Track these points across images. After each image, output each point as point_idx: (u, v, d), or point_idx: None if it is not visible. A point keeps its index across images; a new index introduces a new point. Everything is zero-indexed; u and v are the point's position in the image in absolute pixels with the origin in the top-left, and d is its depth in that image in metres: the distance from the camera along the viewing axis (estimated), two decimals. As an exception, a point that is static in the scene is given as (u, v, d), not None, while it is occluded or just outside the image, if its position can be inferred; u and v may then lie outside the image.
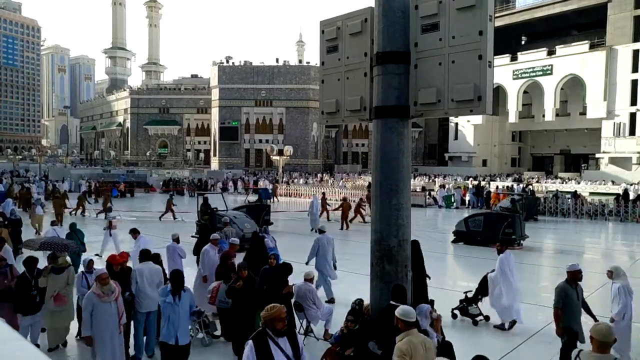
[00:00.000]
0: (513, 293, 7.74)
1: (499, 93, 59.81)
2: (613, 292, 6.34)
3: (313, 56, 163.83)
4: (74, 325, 7.08)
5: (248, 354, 3.67)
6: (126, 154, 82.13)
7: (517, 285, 7.92)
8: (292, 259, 8.47)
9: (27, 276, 6.83)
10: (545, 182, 45.45)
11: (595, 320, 5.68)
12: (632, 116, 51.54)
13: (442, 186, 37.98)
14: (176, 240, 9.58)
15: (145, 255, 7.05)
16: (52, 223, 12.44)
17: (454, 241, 16.72)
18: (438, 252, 14.93)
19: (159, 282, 6.76)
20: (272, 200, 30.41)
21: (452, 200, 30.19)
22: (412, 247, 8.74)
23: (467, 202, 30.72)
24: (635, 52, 50.69)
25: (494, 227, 15.57)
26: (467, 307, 8.19)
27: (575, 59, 54.43)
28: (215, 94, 72.85)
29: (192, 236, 15.30)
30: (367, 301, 5.74)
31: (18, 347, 1.53)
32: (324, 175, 58.00)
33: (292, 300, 7.01)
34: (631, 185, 37.21)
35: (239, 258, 8.47)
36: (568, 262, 6.80)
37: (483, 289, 8.10)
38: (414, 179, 47.28)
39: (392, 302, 4.90)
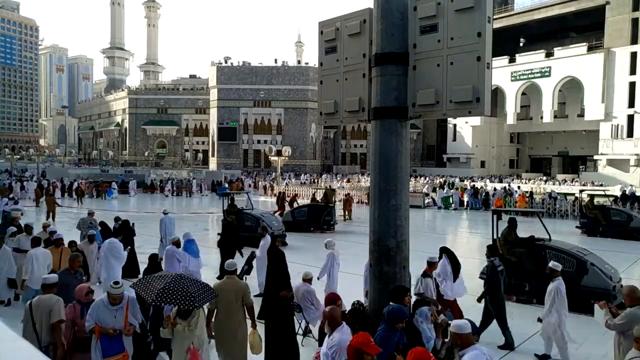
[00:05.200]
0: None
1: (497, 95, 59.93)
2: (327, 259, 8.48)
3: (312, 57, 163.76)
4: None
5: None
6: (124, 154, 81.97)
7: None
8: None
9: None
10: (545, 184, 45.53)
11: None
12: (630, 118, 51.66)
13: (441, 187, 38.03)
14: (176, 243, 9.27)
15: (36, 242, 8.22)
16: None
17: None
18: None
19: (49, 263, 7.92)
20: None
21: (451, 202, 30.25)
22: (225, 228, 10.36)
23: (465, 203, 30.79)
24: (633, 54, 50.82)
25: (317, 216, 18.56)
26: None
27: (573, 61, 54.55)
28: (213, 95, 72.79)
29: (218, 234, 15.49)
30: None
31: (16, 347, 1.52)
32: (322, 175, 58.06)
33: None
34: (630, 186, 37.30)
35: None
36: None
37: (249, 266, 9.38)
38: (418, 180, 47.16)
39: (391, 303, 4.91)
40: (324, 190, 23.33)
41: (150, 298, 4.86)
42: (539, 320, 6.82)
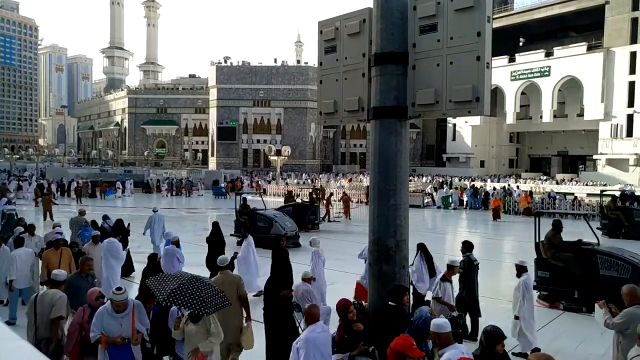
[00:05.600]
0: (250, 271, 9.60)
1: (497, 94, 59.95)
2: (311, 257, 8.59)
3: (311, 56, 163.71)
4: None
5: None
6: (124, 154, 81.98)
7: (258, 264, 9.91)
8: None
9: None
10: (543, 184, 45.60)
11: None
12: (629, 118, 51.70)
13: (441, 186, 38.04)
14: (175, 243, 9.35)
15: (19, 243, 8.35)
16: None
17: None
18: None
19: (32, 263, 8.12)
20: (225, 197, 35.02)
21: (450, 201, 30.25)
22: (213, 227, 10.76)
23: (464, 202, 30.78)
24: (633, 54, 50.85)
25: (302, 215, 18.99)
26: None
27: (572, 60, 54.58)
28: (213, 94, 72.79)
29: (232, 235, 15.66)
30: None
31: (16, 347, 1.52)
32: (319, 175, 58.19)
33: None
34: (630, 186, 37.35)
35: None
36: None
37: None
38: (420, 178, 47.12)
39: (390, 302, 4.91)
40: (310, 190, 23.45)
41: (162, 297, 4.69)
42: (516, 317, 6.96)
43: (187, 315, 4.94)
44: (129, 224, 12.27)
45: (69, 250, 8.04)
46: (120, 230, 11.04)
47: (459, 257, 7.72)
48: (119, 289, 4.84)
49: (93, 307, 5.03)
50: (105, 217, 12.39)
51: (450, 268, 6.93)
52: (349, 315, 4.78)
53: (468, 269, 7.64)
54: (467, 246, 7.96)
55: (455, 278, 7.50)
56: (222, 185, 38.04)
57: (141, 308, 5.07)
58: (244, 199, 17.10)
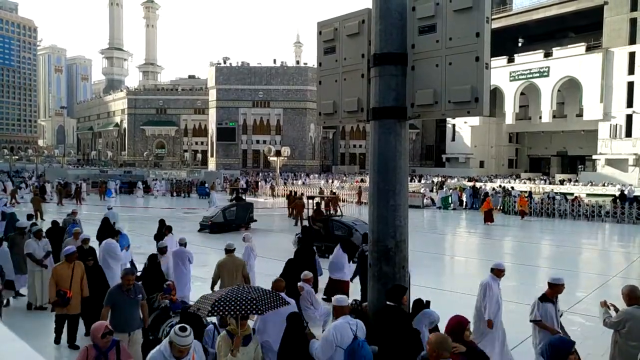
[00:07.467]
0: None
1: (496, 95, 59.99)
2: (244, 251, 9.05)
3: (310, 57, 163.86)
4: None
5: None
6: (123, 155, 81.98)
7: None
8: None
9: None
10: (544, 184, 45.64)
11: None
12: (628, 118, 51.76)
13: (441, 187, 38.01)
14: (184, 245, 9.25)
15: None
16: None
17: (211, 232, 18.50)
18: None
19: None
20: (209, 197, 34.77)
21: (450, 202, 30.23)
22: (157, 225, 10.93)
23: (464, 203, 30.74)
24: (631, 54, 50.91)
25: (244, 214, 19.86)
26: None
27: (571, 61, 54.64)
28: (212, 95, 72.83)
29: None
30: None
31: (15, 347, 1.53)
32: (322, 175, 58.28)
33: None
34: (629, 186, 37.37)
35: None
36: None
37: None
38: (418, 181, 47.10)
39: (388, 302, 4.90)
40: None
41: (205, 312, 4.19)
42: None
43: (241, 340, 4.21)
44: (114, 223, 12.33)
45: (82, 265, 7.15)
46: (108, 230, 11.06)
47: (559, 274, 6.10)
48: (183, 329, 3.65)
49: (99, 347, 3.98)
50: (70, 214, 12.79)
51: (553, 287, 5.64)
52: (465, 334, 4.07)
53: (360, 260, 7.74)
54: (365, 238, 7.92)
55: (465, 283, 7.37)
56: (207, 186, 38.11)
57: (199, 348, 4.26)
58: (317, 204, 15.90)
